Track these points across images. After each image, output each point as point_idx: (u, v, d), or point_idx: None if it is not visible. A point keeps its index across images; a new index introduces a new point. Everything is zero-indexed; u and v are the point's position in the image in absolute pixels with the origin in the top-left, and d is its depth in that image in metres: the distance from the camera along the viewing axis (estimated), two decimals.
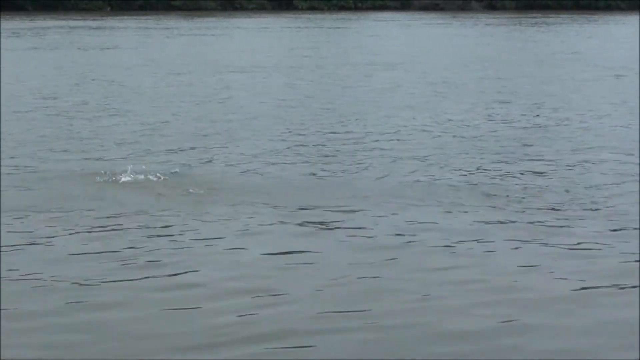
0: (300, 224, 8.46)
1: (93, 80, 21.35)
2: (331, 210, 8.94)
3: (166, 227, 8.32)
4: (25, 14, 57.57)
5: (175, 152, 12.06)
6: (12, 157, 11.59)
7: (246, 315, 6.25)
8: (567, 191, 9.86)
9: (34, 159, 11.56)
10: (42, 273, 7.08)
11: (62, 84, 20.50)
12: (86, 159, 11.56)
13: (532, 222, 8.55)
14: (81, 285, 6.81)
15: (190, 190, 9.74)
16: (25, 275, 7.04)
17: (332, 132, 13.77)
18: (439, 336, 5.99)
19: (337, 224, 8.46)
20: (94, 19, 52.73)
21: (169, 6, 65.81)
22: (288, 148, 12.35)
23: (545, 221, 8.61)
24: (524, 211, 8.97)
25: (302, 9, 68.35)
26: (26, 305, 6.44)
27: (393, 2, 71.80)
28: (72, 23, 48.17)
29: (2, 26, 44.40)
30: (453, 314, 6.33)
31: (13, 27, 43.69)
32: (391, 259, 7.47)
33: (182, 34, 39.75)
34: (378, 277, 7.04)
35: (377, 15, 61.29)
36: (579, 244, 7.95)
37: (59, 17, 53.80)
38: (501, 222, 8.62)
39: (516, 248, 7.82)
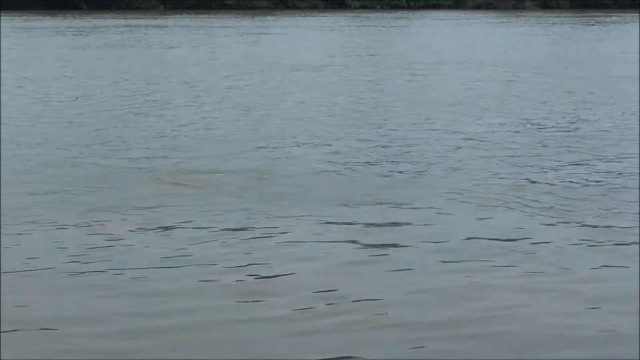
0: (375, 228, 8.27)
1: (163, 78, 21.40)
2: (407, 214, 8.75)
3: (239, 230, 8.15)
4: (80, 13, 58.11)
5: (244, 152, 11.97)
6: (84, 156, 11.58)
7: (323, 324, 6.07)
8: None
9: (103, 157, 11.54)
10: (109, 278, 6.93)
11: (132, 82, 20.56)
12: (157, 158, 11.49)
13: (616, 236, 8.20)
14: (149, 291, 6.65)
15: (260, 191, 9.64)
16: (92, 280, 6.89)
17: (400, 131, 13.59)
18: (525, 346, 5.76)
19: (413, 229, 8.27)
20: (150, 18, 53.10)
21: (222, 5, 66.04)
22: (356, 147, 12.19)
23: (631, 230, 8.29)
24: (606, 217, 8.68)
25: (354, 8, 68.21)
26: (89, 311, 6.27)
27: (446, 0, 71.32)
28: (128, 22, 48.53)
29: (60, 24, 44.84)
30: (537, 323, 6.09)
31: (71, 26, 44.10)
32: (469, 265, 7.23)
33: (240, 33, 39.80)
34: (458, 284, 6.81)
35: (432, 14, 60.98)
36: None
37: (115, 16, 54.25)
38: (582, 225, 8.37)
39: (603, 255, 7.53)
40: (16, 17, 50.84)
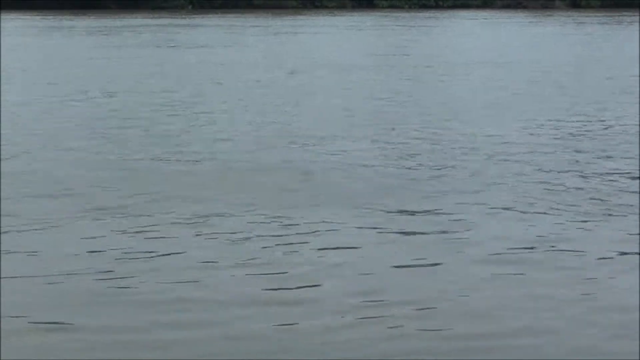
0: (411, 232, 8.18)
1: (194, 78, 21.46)
2: (444, 217, 8.66)
3: (275, 236, 8.05)
4: (110, 13, 58.37)
5: (277, 151, 11.98)
6: (118, 155, 11.60)
7: (365, 331, 5.99)
8: None
9: (138, 157, 11.55)
10: (142, 283, 6.85)
11: (164, 81, 20.62)
12: (188, 159, 11.46)
13: None
14: (183, 298, 6.54)
15: (295, 192, 9.63)
16: (123, 285, 6.79)
17: (432, 131, 13.54)
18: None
19: (452, 233, 8.17)
20: (180, 17, 53.26)
21: (250, 4, 66.13)
22: (384, 148, 12.15)
23: None
24: None
25: (382, 7, 68.10)
26: (118, 319, 6.15)
27: (475, 0, 71.01)
28: (158, 21, 48.69)
29: (89, 24, 45.06)
30: (584, 335, 5.99)
31: (103, 25, 44.29)
32: (513, 273, 7.11)
33: (269, 33, 39.80)
34: (501, 294, 6.69)
35: (460, 14, 60.74)
36: None
37: (145, 16, 54.44)
38: (619, 231, 8.24)
39: None
40: (50, 17, 51.17)
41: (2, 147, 12.14)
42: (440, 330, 6.01)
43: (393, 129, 13.87)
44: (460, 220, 8.61)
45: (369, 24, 47.75)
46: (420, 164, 11.22)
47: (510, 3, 70.50)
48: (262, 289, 6.71)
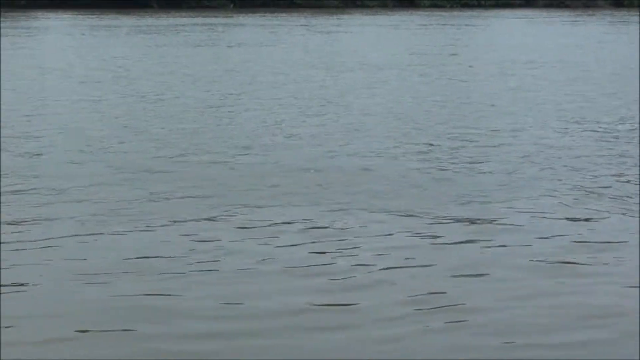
0: (456, 236, 8.16)
1: (242, 77, 21.52)
2: (489, 220, 8.63)
3: (327, 240, 8.05)
4: (152, 12, 58.73)
5: (316, 149, 12.05)
6: (168, 154, 11.63)
7: (415, 340, 5.97)
8: None
9: (187, 156, 11.65)
10: (191, 282, 6.87)
11: (211, 80, 20.70)
12: (231, 160, 11.48)
13: None
14: (229, 306, 6.49)
15: (344, 191, 9.63)
16: (172, 292, 6.73)
17: (473, 131, 13.51)
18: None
19: (494, 234, 8.15)
20: (223, 16, 53.44)
21: (292, 4, 66.21)
22: (426, 151, 12.10)
23: None
24: None
25: (424, 7, 67.89)
26: (161, 327, 6.11)
27: None
28: (200, 20, 48.91)
29: (131, 23, 45.37)
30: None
31: (143, 24, 44.57)
32: (564, 281, 7.04)
33: (312, 31, 39.82)
34: (552, 303, 6.59)
35: (503, 13, 60.39)
36: None
37: (187, 15, 54.72)
38: None
39: None
40: (94, 17, 51.59)
41: (38, 146, 12.33)
42: (482, 338, 5.97)
43: (434, 130, 13.89)
44: (505, 224, 8.56)
45: (410, 23, 47.61)
46: (462, 166, 11.17)
47: (552, 2, 69.90)
48: (309, 296, 6.64)
